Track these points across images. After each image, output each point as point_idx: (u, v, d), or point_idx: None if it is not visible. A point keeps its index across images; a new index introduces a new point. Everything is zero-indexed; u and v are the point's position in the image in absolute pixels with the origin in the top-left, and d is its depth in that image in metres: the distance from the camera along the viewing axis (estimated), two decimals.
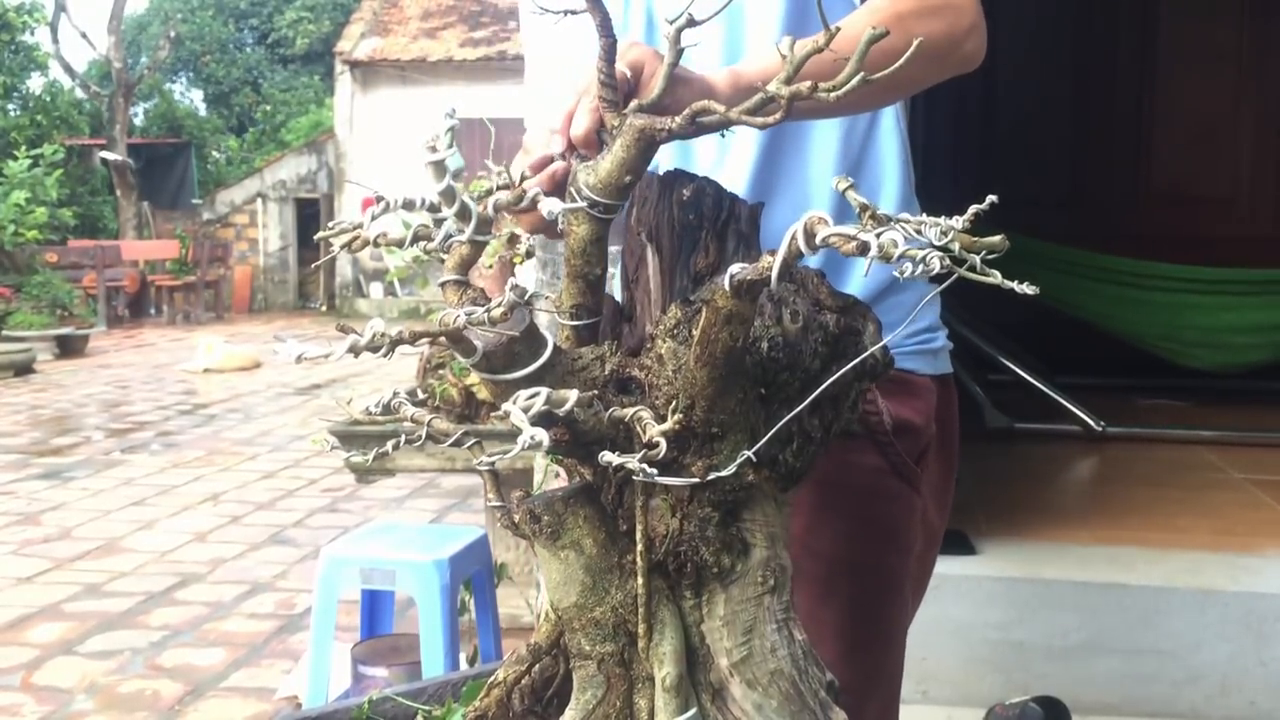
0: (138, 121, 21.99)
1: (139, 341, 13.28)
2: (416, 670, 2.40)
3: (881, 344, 0.87)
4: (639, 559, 0.83)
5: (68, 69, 18.68)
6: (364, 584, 2.55)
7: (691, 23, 0.75)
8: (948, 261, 0.67)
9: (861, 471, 1.17)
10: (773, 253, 0.68)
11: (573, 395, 0.75)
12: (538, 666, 0.92)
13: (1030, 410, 4.51)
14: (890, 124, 1.26)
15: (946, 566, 2.83)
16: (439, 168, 0.75)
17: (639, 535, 0.84)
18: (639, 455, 0.76)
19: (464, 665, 2.60)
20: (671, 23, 0.76)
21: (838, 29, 0.73)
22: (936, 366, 1.27)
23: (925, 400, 1.24)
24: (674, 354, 0.82)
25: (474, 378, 3.00)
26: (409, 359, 3.18)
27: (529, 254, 0.94)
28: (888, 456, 1.19)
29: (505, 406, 0.71)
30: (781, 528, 0.89)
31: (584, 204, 0.83)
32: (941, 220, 0.67)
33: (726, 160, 1.21)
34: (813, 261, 0.75)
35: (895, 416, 1.19)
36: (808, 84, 0.71)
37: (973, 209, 0.68)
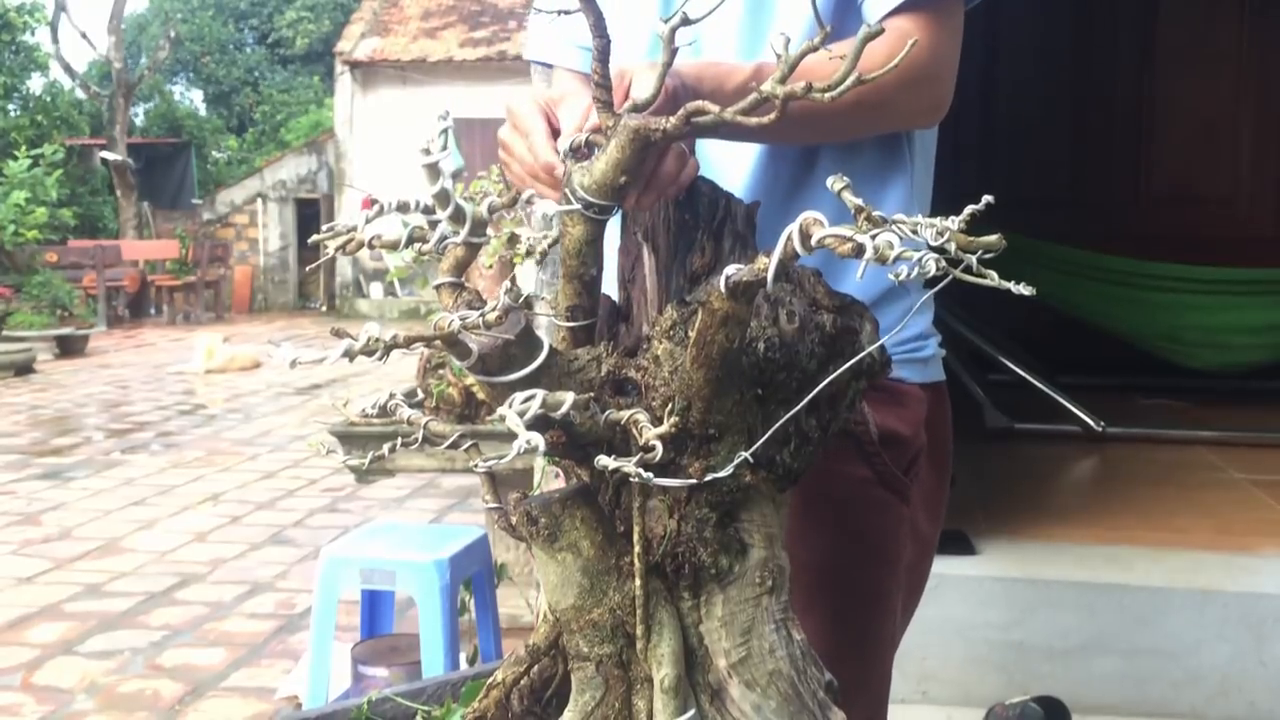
0: (138, 121, 21.99)
1: (139, 341, 13.28)
2: (416, 670, 2.40)
3: (879, 343, 0.87)
4: (636, 560, 0.83)
5: (68, 69, 18.66)
6: (364, 584, 2.55)
7: (685, 21, 0.74)
8: (944, 263, 0.66)
9: (847, 482, 1.16)
10: (769, 253, 0.68)
11: (569, 398, 0.75)
12: (537, 667, 0.92)
13: (1030, 410, 4.50)
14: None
15: (946, 566, 2.83)
16: (433, 170, 0.74)
17: (636, 536, 0.83)
18: (635, 459, 0.76)
19: (464, 665, 2.60)
20: (666, 22, 0.75)
21: (829, 29, 0.73)
22: (926, 375, 1.25)
23: (914, 410, 1.22)
24: (670, 355, 0.81)
25: (473, 378, 3.00)
26: (409, 358, 3.18)
27: (529, 253, 0.93)
28: (874, 467, 1.18)
29: (500, 410, 0.71)
30: (779, 528, 0.89)
31: (578, 205, 0.83)
32: (937, 221, 0.67)
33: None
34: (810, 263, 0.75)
35: (882, 427, 1.17)
36: (802, 84, 0.71)
37: (969, 209, 0.68)
